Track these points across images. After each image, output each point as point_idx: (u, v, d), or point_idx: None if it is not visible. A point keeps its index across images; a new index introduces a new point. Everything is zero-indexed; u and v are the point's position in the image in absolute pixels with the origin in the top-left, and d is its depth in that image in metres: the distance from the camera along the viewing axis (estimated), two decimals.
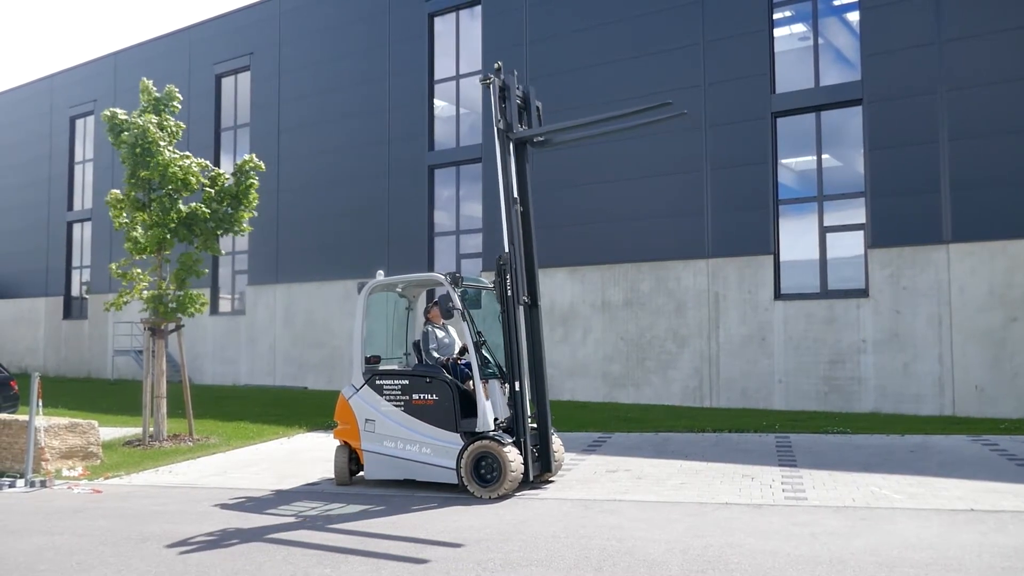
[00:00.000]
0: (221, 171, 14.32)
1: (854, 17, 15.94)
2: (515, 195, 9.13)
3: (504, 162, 9.17)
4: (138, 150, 13.32)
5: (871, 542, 6.59)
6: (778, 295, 15.95)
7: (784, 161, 16.54)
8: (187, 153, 14.05)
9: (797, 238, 16.13)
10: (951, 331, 14.23)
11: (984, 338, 13.98)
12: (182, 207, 13.63)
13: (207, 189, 14.00)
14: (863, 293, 15.12)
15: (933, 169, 14.56)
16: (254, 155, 14.45)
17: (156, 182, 13.54)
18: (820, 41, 16.34)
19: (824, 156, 16.17)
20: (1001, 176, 13.99)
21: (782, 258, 16.12)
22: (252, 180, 14.17)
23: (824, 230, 15.78)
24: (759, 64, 16.42)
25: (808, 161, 16.42)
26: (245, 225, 14.28)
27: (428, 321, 9.90)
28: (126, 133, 13.44)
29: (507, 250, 8.97)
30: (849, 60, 16.09)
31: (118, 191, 14.12)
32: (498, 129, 9.21)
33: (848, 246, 15.57)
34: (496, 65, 9.30)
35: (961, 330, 14.16)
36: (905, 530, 6.96)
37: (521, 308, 8.97)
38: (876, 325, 14.86)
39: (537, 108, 9.67)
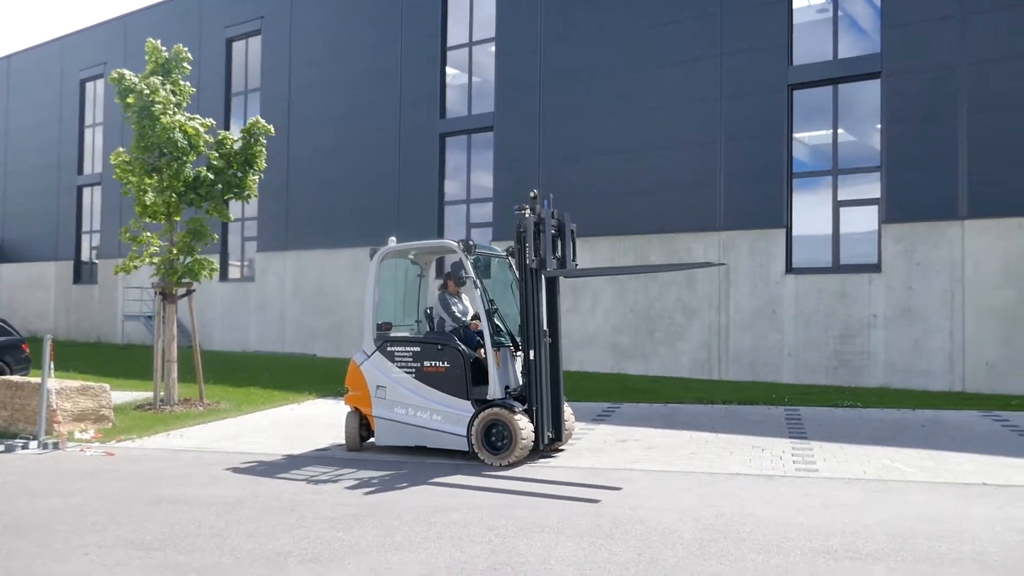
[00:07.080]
0: (228, 133, 14.09)
1: None
2: (544, 327, 8.86)
3: (535, 297, 8.79)
4: (145, 120, 13.11)
5: (884, 514, 6.59)
6: (789, 269, 15.86)
7: (799, 135, 16.37)
8: (194, 116, 13.82)
9: (810, 212, 16.00)
10: (963, 307, 14.14)
11: (997, 315, 13.90)
12: (189, 172, 13.47)
13: (212, 152, 13.77)
14: (875, 268, 15.02)
15: (951, 144, 14.39)
16: (260, 118, 14.26)
17: (164, 145, 13.35)
18: (839, 13, 16.10)
19: (840, 130, 15.99)
20: (1020, 153, 13.81)
21: (794, 232, 16.01)
22: (261, 143, 14.02)
23: (838, 204, 15.65)
24: (777, 35, 16.18)
25: (823, 135, 16.25)
26: (253, 190, 14.14)
27: (444, 288, 9.88)
28: (132, 96, 13.28)
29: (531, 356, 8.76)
30: (868, 32, 15.86)
31: (123, 149, 13.89)
32: (531, 269, 8.82)
33: (862, 220, 15.45)
34: (532, 193, 9.01)
35: (974, 307, 14.07)
36: (918, 502, 6.96)
37: (542, 277, 8.86)
38: (888, 300, 14.78)
39: (572, 231, 9.21)
